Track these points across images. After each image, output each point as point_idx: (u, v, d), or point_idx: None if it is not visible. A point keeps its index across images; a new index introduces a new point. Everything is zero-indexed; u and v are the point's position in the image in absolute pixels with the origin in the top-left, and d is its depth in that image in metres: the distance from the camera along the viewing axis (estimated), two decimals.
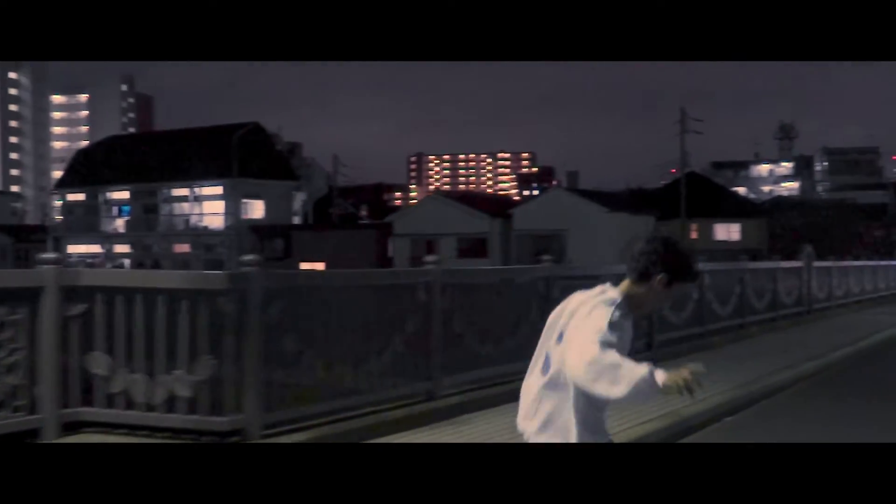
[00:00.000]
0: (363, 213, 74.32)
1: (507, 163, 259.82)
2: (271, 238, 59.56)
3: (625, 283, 3.51)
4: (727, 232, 64.22)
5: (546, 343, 3.54)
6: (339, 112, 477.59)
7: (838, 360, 14.57)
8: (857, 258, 31.24)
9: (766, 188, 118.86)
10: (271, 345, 7.03)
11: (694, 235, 64.41)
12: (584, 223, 49.64)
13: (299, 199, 68.22)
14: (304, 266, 53.18)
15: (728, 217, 65.69)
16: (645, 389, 3.14)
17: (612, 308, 3.35)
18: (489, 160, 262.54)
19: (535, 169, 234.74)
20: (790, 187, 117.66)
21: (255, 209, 63.25)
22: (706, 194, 66.90)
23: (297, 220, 67.01)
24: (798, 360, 13.78)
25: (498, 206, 54.73)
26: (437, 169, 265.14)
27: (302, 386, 7.40)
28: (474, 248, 51.95)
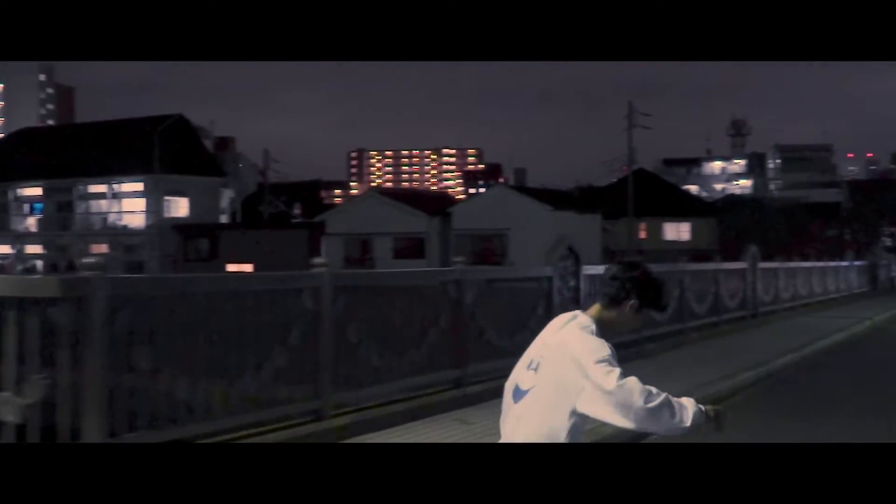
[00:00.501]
0: (296, 211, 73.16)
1: (453, 159, 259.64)
2: (196, 238, 58.28)
3: (595, 308, 3.70)
4: (677, 231, 64.50)
5: (518, 371, 3.69)
6: (277, 106, 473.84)
7: (779, 369, 14.26)
8: (808, 259, 31.25)
9: (718, 186, 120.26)
10: (119, 360, 6.35)
11: (642, 235, 64.59)
12: (528, 222, 49.28)
13: (227, 197, 66.89)
14: (231, 268, 52.10)
15: (678, 216, 65.99)
16: (699, 422, 3.38)
17: (592, 334, 3.53)
18: (434, 156, 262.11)
19: (481, 166, 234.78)
20: (743, 185, 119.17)
21: (179, 207, 61.81)
22: (655, 192, 67.13)
23: (224, 218, 65.71)
24: (737, 368, 13.43)
25: (438, 204, 54.17)
26: (379, 165, 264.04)
27: (158, 408, 6.71)
28: (411, 248, 51.38)
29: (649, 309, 3.70)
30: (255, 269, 48.22)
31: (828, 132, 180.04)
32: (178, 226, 59.38)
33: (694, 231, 64.21)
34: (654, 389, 3.37)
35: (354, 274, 10.00)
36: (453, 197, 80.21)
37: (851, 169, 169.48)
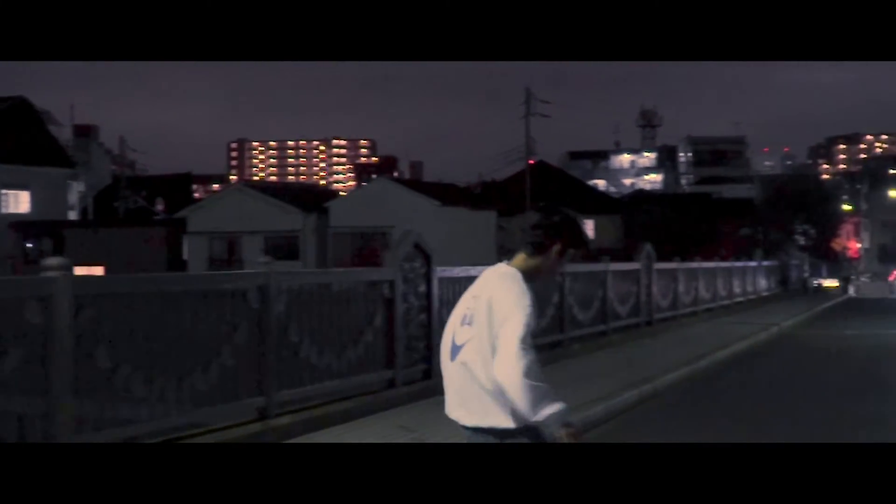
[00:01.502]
0: (159, 207, 70.47)
1: (344, 150, 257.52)
2: (38, 237, 55.41)
3: (520, 258, 4.20)
4: None
5: (452, 326, 4.22)
6: (149, 92, 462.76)
7: (667, 387, 13.39)
8: (722, 258, 30.87)
9: (627, 181, 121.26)
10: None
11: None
12: (414, 219, 47.98)
13: (76, 191, 63.88)
14: (80, 271, 49.48)
15: (581, 213, 65.60)
16: (554, 423, 3.88)
17: (516, 283, 4.05)
18: (323, 148, 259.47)
19: (374, 158, 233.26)
20: (653, 180, 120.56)
21: (20, 202, 58.73)
22: (557, 187, 66.81)
23: (73, 215, 62.78)
24: (617, 387, 12.48)
25: (314, 199, 52.50)
26: (263, 157, 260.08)
27: None
28: (284, 248, 49.70)
29: (573, 249, 4.24)
30: (107, 271, 45.85)
31: (741, 124, 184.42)
32: (18, 223, 56.38)
33: (598, 229, 64.09)
34: (539, 373, 3.89)
35: (107, 279, 8.62)
36: (334, 191, 78.45)
37: (768, 164, 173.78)
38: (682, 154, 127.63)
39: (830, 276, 59.97)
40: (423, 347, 11.76)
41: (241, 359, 8.59)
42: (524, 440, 4.02)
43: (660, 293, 21.58)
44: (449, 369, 4.19)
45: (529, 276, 4.16)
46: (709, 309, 26.24)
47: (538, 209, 4.41)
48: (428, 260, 11.99)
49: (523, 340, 3.90)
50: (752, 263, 33.26)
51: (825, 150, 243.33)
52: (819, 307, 32.08)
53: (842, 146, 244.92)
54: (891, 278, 63.30)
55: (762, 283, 34.56)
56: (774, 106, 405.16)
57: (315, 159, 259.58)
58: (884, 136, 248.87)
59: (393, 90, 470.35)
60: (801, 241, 63.83)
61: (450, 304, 12.53)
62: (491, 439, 4.07)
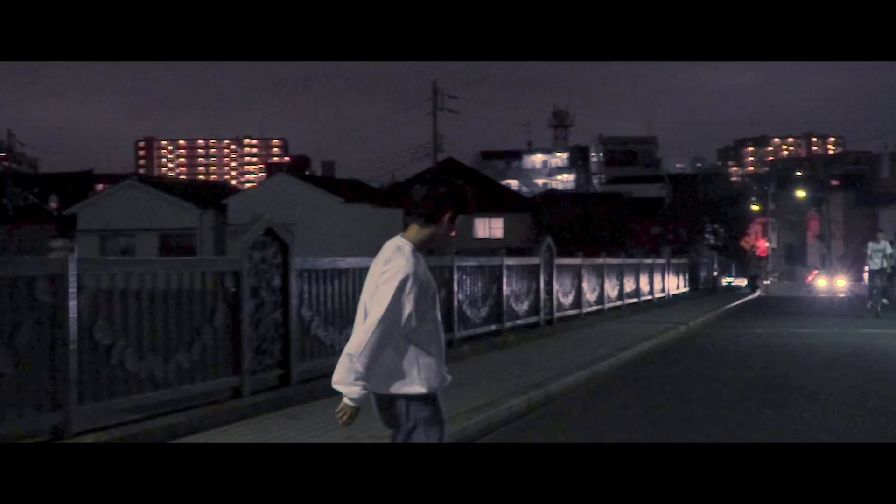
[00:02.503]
0: (53, 204, 67.26)
1: (255, 150, 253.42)
2: None
3: (413, 230, 4.55)
4: (489, 228, 63.18)
5: (363, 300, 4.56)
6: (54, 87, 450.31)
7: (561, 393, 12.02)
8: (632, 256, 29.80)
9: (540, 181, 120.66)
10: None
11: (452, 232, 62.80)
12: (316, 216, 46.40)
13: None
14: None
15: (490, 211, 64.66)
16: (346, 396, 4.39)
17: (403, 254, 4.41)
18: (234, 147, 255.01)
19: (287, 158, 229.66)
20: (566, 179, 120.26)
21: None
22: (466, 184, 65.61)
23: None
24: (506, 393, 11.06)
25: (212, 196, 50.18)
26: (171, 156, 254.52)
27: None
28: (180, 246, 47.42)
29: (462, 215, 4.58)
30: None
31: (653, 124, 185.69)
32: None
33: (507, 227, 63.04)
34: (373, 350, 4.32)
35: None
36: (235, 187, 75.94)
37: (678, 165, 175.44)
38: (593, 154, 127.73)
39: (739, 275, 59.72)
40: (279, 350, 10.17)
41: (22, 366, 6.92)
42: (403, 404, 4.48)
43: (562, 291, 20.29)
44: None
45: (424, 245, 4.48)
46: (616, 307, 25.10)
47: (425, 181, 4.51)
48: (285, 249, 10.39)
49: (385, 318, 4.27)
50: (661, 261, 32.26)
51: (734, 153, 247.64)
52: (728, 306, 31.24)
53: (750, 148, 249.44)
54: (808, 279, 63.50)
55: (672, 281, 33.64)
56: (685, 109, 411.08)
57: (226, 158, 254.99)
58: (790, 140, 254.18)
59: (306, 89, 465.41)
60: (711, 240, 63.65)
61: (315, 299, 10.96)
62: (379, 406, 4.55)
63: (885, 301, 23.59)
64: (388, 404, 4.48)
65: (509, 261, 17.10)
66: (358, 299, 4.59)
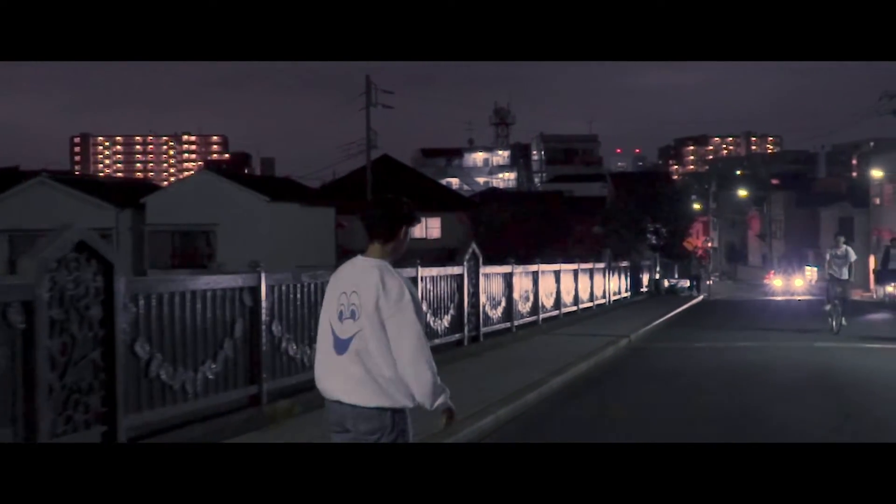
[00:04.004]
0: None
1: (194, 147, 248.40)
2: None
3: (376, 249, 4.74)
4: (426, 228, 60.83)
5: (326, 326, 4.73)
6: None
7: (475, 440, 9.70)
8: (573, 259, 27.63)
9: (481, 179, 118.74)
10: None
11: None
12: (241, 216, 43.69)
13: None
14: None
15: (428, 210, 62.29)
16: (440, 409, 4.67)
17: (391, 272, 4.66)
18: (172, 143, 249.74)
19: (226, 155, 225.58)
20: (507, 178, 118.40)
21: None
22: (403, 183, 63.20)
23: None
24: None
25: (131, 194, 47.06)
26: (108, 153, 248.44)
27: None
28: None
29: (412, 227, 4.85)
30: None
31: (594, 122, 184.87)
32: None
33: (445, 227, 60.76)
34: (431, 363, 4.64)
35: None
36: (156, 185, 72.57)
37: (620, 165, 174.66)
38: (535, 152, 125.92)
39: (682, 276, 57.95)
40: (100, 401, 7.70)
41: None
42: (389, 416, 4.62)
43: (490, 303, 17.99)
44: (336, 361, 4.63)
45: (389, 259, 4.76)
46: (552, 318, 22.89)
47: (377, 203, 4.90)
48: (107, 269, 7.90)
49: (420, 335, 4.58)
50: (602, 264, 30.13)
51: (674, 151, 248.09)
52: (673, 312, 29.21)
53: (690, 147, 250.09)
54: (766, 279, 61.73)
55: (613, 285, 31.55)
56: (626, 108, 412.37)
57: (164, 155, 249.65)
58: (729, 139, 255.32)
59: (248, 85, 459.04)
60: (653, 240, 61.97)
61: (156, 331, 8.58)
62: (362, 417, 4.61)
63: (843, 322, 20.68)
64: (369, 415, 4.61)
65: (426, 271, 14.74)
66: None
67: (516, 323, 19.66)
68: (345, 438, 4.73)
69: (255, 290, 9.92)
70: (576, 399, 12.77)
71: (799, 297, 43.03)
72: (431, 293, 14.94)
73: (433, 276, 15.06)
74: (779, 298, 42.56)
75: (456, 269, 16.24)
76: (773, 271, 63.43)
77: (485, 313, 17.49)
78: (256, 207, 44.22)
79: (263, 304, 10.00)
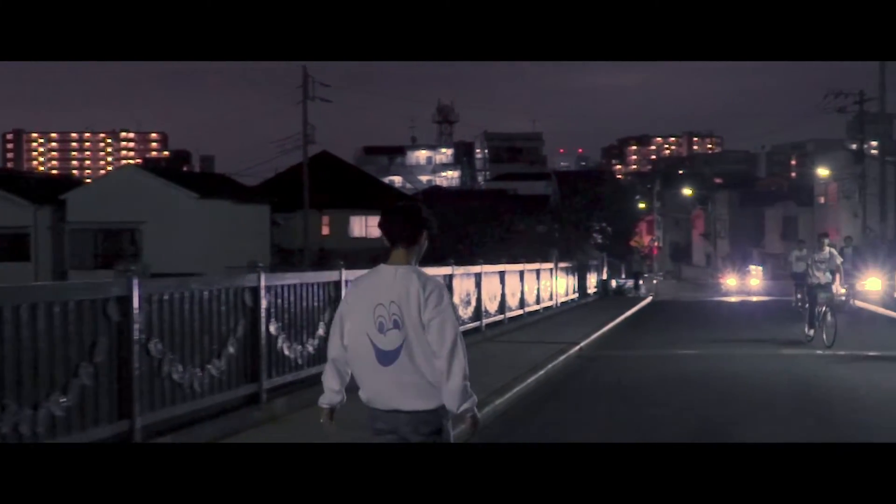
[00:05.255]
0: None
1: (132, 144, 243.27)
2: None
3: (401, 254, 4.76)
4: (365, 226, 58.77)
5: (362, 339, 4.68)
6: None
7: None
8: (517, 259, 25.83)
9: (424, 177, 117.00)
10: None
11: (325, 231, 58.34)
12: (169, 214, 41.27)
13: None
14: None
15: (370, 208, 60.20)
16: (466, 413, 4.69)
17: (426, 276, 4.70)
18: (110, 140, 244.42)
19: (166, 153, 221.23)
20: (450, 176, 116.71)
21: None
22: (342, 179, 61.13)
23: None
24: None
25: (50, 191, 44.22)
26: (42, 150, 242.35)
27: None
28: (11, 248, 41.66)
29: (432, 232, 4.88)
30: None
31: (538, 122, 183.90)
32: None
33: None
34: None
35: None
36: (78, 180, 69.51)
37: (564, 164, 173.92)
38: (478, 151, 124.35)
39: (629, 276, 56.50)
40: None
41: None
42: (430, 420, 4.64)
43: None
44: (385, 373, 4.62)
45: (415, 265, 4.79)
46: (496, 323, 21.03)
47: (397, 210, 4.81)
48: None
49: (460, 336, 4.68)
50: (548, 265, 28.34)
51: (617, 151, 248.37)
52: (624, 315, 27.53)
53: (633, 147, 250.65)
54: (721, 279, 60.20)
55: (560, 287, 29.79)
56: (570, 108, 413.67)
57: (101, 153, 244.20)
58: (671, 139, 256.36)
59: (189, 80, 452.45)
60: (599, 239, 60.61)
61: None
62: (422, 421, 4.62)
63: (828, 334, 17.73)
64: (428, 418, 4.64)
65: (350, 274, 12.75)
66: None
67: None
68: (394, 440, 4.71)
69: (124, 301, 7.89)
70: (523, 422, 10.91)
71: (756, 298, 41.38)
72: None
73: (323, 283, 13.07)
74: (733, 299, 40.70)
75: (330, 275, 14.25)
76: (728, 269, 61.95)
77: None
78: (186, 205, 41.82)
79: (135, 316, 7.97)
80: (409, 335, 4.58)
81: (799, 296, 25.92)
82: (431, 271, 16.09)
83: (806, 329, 18.96)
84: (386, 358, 4.61)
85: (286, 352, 10.83)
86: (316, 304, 11.69)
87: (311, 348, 11.46)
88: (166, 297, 8.51)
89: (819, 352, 17.26)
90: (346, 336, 4.76)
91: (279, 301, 10.69)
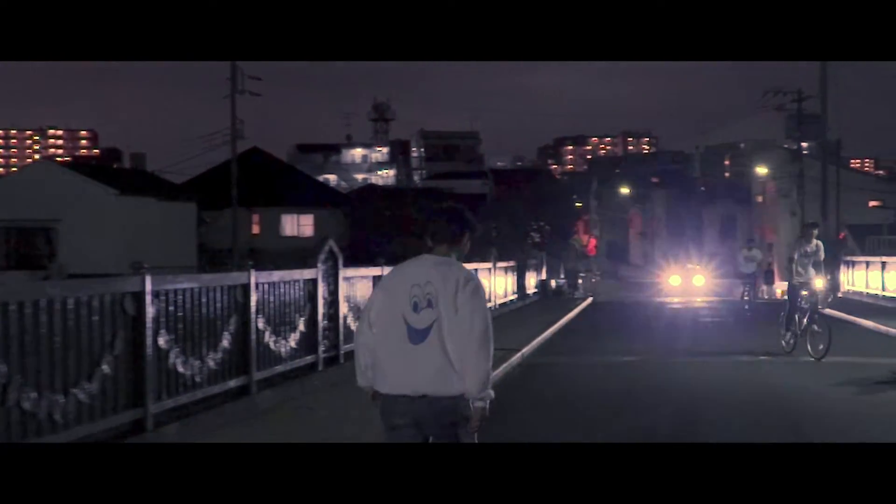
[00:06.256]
0: None
1: (61, 142, 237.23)
2: None
3: (443, 249, 5.01)
4: (297, 225, 56.87)
5: (396, 318, 4.83)
6: None
7: None
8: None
9: (360, 176, 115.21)
10: None
11: (255, 230, 56.29)
12: (87, 212, 39.04)
13: None
14: None
15: (300, 206, 58.38)
16: (485, 398, 4.90)
17: (472, 273, 4.94)
18: (37, 138, 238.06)
19: (96, 151, 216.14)
20: (386, 175, 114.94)
21: None
22: (273, 177, 59.08)
23: None
24: None
25: None
26: None
27: None
28: None
29: (474, 234, 5.23)
30: None
31: (475, 120, 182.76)
32: None
33: (318, 225, 56.85)
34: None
35: None
36: None
37: (500, 164, 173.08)
38: (414, 149, 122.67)
39: (566, 275, 55.27)
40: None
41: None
42: (452, 408, 4.78)
43: (354, 313, 14.38)
44: (413, 352, 4.76)
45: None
46: None
47: (440, 212, 5.51)
48: None
49: (490, 324, 4.83)
50: (487, 265, 26.81)
51: (553, 151, 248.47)
52: (566, 317, 26.13)
53: (569, 147, 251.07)
54: (664, 279, 59.03)
55: (499, 288, 28.27)
56: (507, 108, 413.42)
57: (28, 150, 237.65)
58: (607, 139, 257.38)
59: (118, 78, 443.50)
60: (537, 238, 59.45)
61: None
62: (446, 410, 4.78)
63: (820, 346, 15.24)
64: (451, 406, 4.79)
65: (263, 276, 11.04)
66: None
67: None
68: (415, 437, 4.84)
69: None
70: None
71: (702, 299, 40.10)
72: (272, 305, 11.27)
73: (274, 283, 11.38)
74: (678, 300, 39.31)
75: (307, 273, 12.58)
76: (671, 269, 60.85)
77: (347, 327, 13.88)
78: (105, 202, 39.60)
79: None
80: (441, 314, 4.71)
81: (747, 297, 24.80)
82: (358, 272, 14.45)
83: (783, 334, 16.22)
84: (417, 336, 4.72)
85: (180, 368, 9.09)
86: (219, 311, 9.96)
87: (212, 363, 9.73)
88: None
89: (805, 359, 15.34)
90: (377, 318, 4.89)
91: (171, 309, 8.96)
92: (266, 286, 11.10)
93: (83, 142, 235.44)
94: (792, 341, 16.01)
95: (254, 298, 10.63)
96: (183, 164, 75.29)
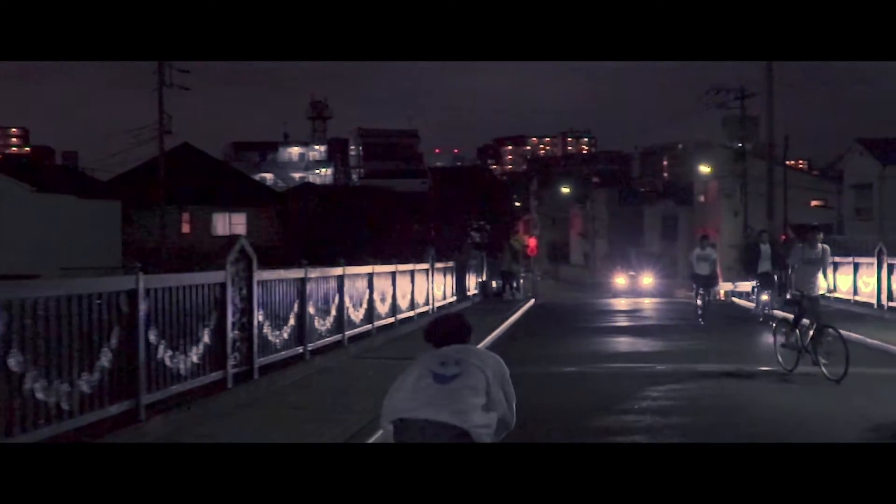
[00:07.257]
0: None
1: None
2: None
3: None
4: (229, 224, 54.77)
5: (425, 369, 5.17)
6: None
7: None
8: (393, 260, 22.64)
9: (297, 174, 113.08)
10: None
11: (186, 229, 54.12)
12: (1, 209, 36.67)
13: None
14: None
15: (234, 204, 56.29)
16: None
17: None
18: None
19: (27, 148, 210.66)
20: (324, 174, 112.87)
21: None
22: (205, 175, 56.85)
23: None
24: None
25: None
26: None
27: None
28: None
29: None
30: None
31: (414, 119, 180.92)
32: None
33: (251, 224, 54.82)
34: None
35: None
36: None
37: (440, 164, 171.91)
38: (353, 147, 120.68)
39: (503, 276, 53.84)
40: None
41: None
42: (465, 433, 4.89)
43: (271, 321, 12.68)
44: (438, 388, 4.98)
45: None
46: (362, 335, 17.75)
47: (449, 319, 5.75)
48: None
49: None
50: (425, 265, 25.20)
51: (493, 151, 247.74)
52: (509, 321, 24.64)
53: (509, 147, 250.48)
54: (613, 280, 57.65)
55: (437, 290, 26.68)
56: (447, 108, 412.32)
57: None
58: (547, 139, 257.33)
59: (50, 75, 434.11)
60: (477, 237, 58.06)
61: None
62: (439, 435, 4.85)
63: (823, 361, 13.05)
64: (457, 436, 4.86)
65: (155, 280, 9.30)
66: None
67: (311, 346, 14.39)
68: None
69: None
70: None
71: (650, 300, 38.85)
72: (167, 314, 9.53)
73: (170, 288, 9.63)
74: (624, 301, 38.00)
75: (213, 276, 10.84)
76: (616, 269, 59.68)
77: (262, 337, 12.17)
78: (18, 199, 37.20)
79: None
80: (467, 369, 5.06)
81: (700, 302, 23.24)
82: (276, 275, 12.75)
83: (779, 352, 14.15)
84: (444, 379, 5.01)
85: (39, 395, 7.32)
86: (96, 323, 8.21)
87: (85, 386, 7.97)
88: None
89: (813, 377, 12.97)
90: (405, 379, 5.14)
91: (28, 322, 7.20)
92: (160, 292, 9.35)
93: (14, 140, 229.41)
94: (793, 358, 13.77)
95: (143, 307, 8.89)
96: (111, 162, 72.65)
